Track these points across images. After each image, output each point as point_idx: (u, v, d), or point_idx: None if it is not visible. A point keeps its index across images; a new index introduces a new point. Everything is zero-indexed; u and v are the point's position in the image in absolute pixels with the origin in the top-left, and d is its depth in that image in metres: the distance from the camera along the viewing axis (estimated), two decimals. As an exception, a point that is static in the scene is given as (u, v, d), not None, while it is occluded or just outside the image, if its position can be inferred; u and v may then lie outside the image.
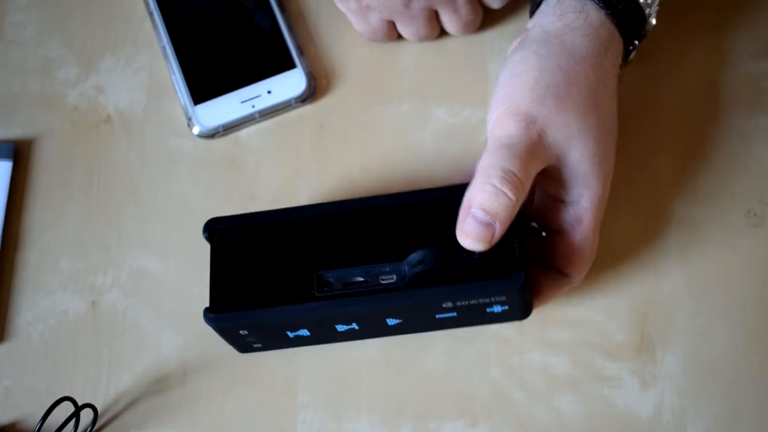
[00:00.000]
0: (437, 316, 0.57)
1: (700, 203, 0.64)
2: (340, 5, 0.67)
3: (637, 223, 0.64)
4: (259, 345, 0.60)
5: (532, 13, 0.60)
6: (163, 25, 0.69)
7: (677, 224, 0.64)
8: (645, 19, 0.59)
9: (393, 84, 0.68)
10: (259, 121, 0.68)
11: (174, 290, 0.64)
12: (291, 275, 0.56)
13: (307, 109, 0.68)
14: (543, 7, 0.59)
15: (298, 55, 0.68)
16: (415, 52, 0.69)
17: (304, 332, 0.58)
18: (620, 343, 0.61)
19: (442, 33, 0.68)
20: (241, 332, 0.58)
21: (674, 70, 0.67)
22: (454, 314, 0.56)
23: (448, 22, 0.66)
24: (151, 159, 0.67)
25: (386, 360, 0.62)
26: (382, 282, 0.56)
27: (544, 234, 0.58)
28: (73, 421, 0.59)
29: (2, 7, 0.72)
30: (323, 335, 0.59)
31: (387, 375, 0.62)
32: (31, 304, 0.64)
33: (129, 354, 0.63)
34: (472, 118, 0.67)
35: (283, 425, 0.61)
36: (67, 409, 0.60)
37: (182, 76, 0.68)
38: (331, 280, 0.56)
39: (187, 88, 0.68)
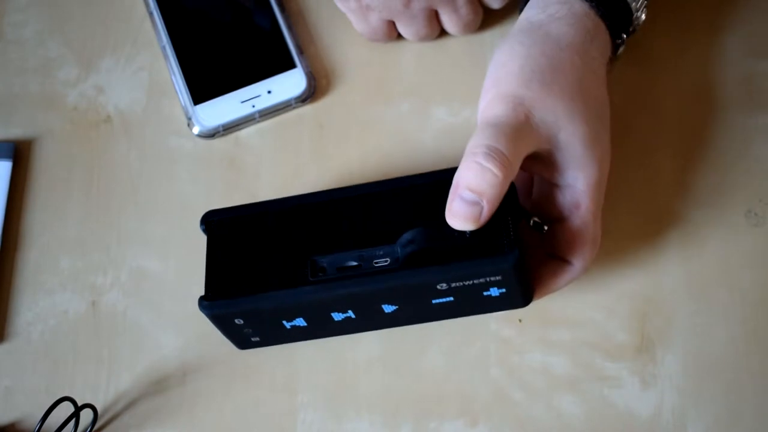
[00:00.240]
0: (434, 301, 0.57)
1: (700, 203, 0.64)
2: (340, 5, 0.67)
3: (637, 223, 0.64)
4: (257, 339, 0.60)
5: (521, 11, 0.61)
6: (163, 25, 0.69)
7: (677, 224, 0.64)
8: (631, 12, 0.60)
9: (393, 84, 0.68)
10: (259, 121, 0.68)
11: (174, 290, 0.64)
12: (285, 262, 0.57)
13: (307, 109, 0.68)
14: (530, 2, 0.60)
15: (298, 55, 0.68)
16: (415, 52, 0.69)
17: (301, 322, 0.58)
18: (620, 343, 0.61)
19: (442, 33, 0.68)
20: (236, 321, 0.58)
21: (674, 70, 0.67)
22: (451, 299, 0.56)
23: (448, 22, 0.66)
24: (151, 159, 0.67)
25: (386, 360, 0.62)
26: (376, 265, 0.56)
27: (546, 228, 0.58)
28: (72, 422, 0.59)
29: (2, 6, 0.72)
30: (320, 326, 0.58)
31: (387, 375, 0.62)
32: (31, 304, 0.64)
33: (129, 354, 0.63)
34: (472, 118, 0.66)
35: (283, 425, 0.61)
36: (66, 409, 0.60)
37: (182, 76, 0.68)
38: (325, 265, 0.56)
39: (187, 88, 0.68)
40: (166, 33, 0.69)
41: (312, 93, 0.68)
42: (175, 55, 0.69)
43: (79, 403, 0.60)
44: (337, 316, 0.57)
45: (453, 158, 0.65)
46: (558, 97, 0.55)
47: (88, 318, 0.64)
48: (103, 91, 0.69)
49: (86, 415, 0.60)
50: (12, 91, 0.69)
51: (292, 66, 0.68)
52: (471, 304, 0.57)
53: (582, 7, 0.58)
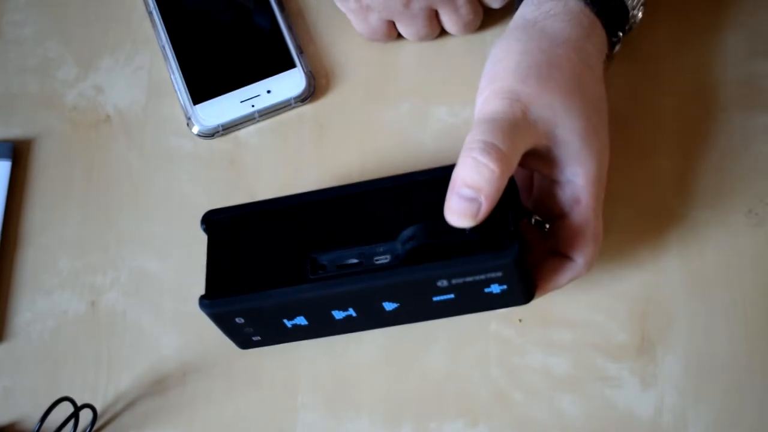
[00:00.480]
0: (435, 299, 0.56)
1: (700, 203, 0.64)
2: (339, 5, 0.67)
3: (637, 223, 0.64)
4: (259, 338, 0.60)
5: (516, 8, 0.61)
6: (163, 25, 0.69)
7: (677, 224, 0.64)
8: (627, 10, 0.60)
9: (393, 84, 0.68)
10: (258, 121, 0.68)
11: (174, 290, 0.64)
12: (285, 260, 0.57)
13: (306, 108, 0.68)
14: (526, 0, 0.59)
15: (297, 55, 0.68)
16: (415, 52, 0.69)
17: (302, 320, 0.58)
18: (621, 343, 0.61)
19: (442, 33, 0.68)
20: (237, 320, 0.58)
21: (674, 70, 0.67)
22: (452, 296, 0.56)
23: (448, 22, 0.66)
24: (151, 159, 0.67)
25: (386, 360, 0.62)
26: (377, 262, 0.56)
27: (547, 226, 0.58)
28: (72, 422, 0.59)
29: (1, 6, 0.72)
30: (321, 324, 0.58)
31: (387, 375, 0.62)
32: (30, 304, 0.64)
33: (129, 354, 0.63)
34: (472, 118, 0.66)
35: (283, 425, 0.61)
36: (66, 409, 0.59)
37: (182, 75, 0.68)
38: (325, 263, 0.56)
39: (186, 87, 0.68)
40: (166, 33, 0.69)
41: (312, 93, 0.68)
42: (174, 55, 0.68)
43: (79, 403, 0.60)
44: (338, 315, 0.57)
45: (453, 158, 0.65)
46: (555, 92, 0.55)
47: (87, 318, 0.64)
48: (102, 90, 0.69)
49: (86, 415, 0.60)
50: (11, 91, 0.69)
51: (292, 66, 0.68)
52: (472, 301, 0.57)
53: (577, 5, 0.58)
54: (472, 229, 0.54)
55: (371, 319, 0.58)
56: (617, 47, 0.61)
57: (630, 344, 0.61)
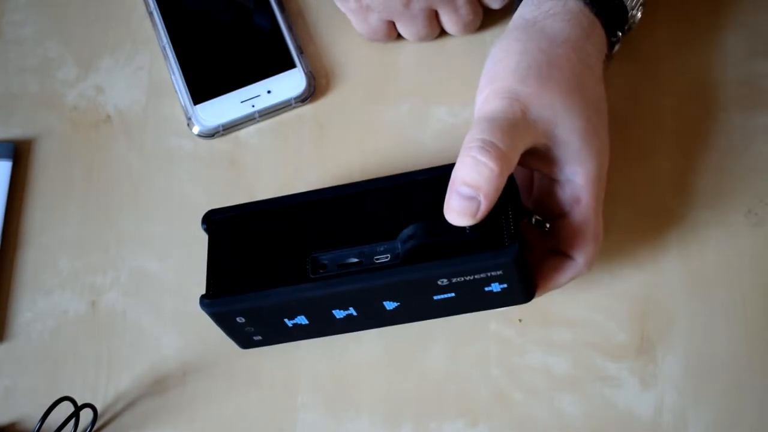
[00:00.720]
0: (435, 297, 0.57)
1: (700, 203, 0.64)
2: (339, 5, 0.67)
3: (637, 223, 0.64)
4: (259, 337, 0.60)
5: (515, 9, 0.61)
6: (163, 25, 0.69)
7: (677, 224, 0.64)
8: (627, 10, 0.60)
9: (393, 84, 0.68)
10: (258, 121, 0.68)
11: (174, 290, 0.64)
12: (286, 260, 0.57)
13: (306, 108, 0.68)
14: (525, 0, 0.60)
15: (297, 55, 0.68)
16: (415, 52, 0.69)
17: (302, 320, 0.58)
18: (620, 343, 0.61)
19: (442, 33, 0.68)
20: (237, 320, 0.58)
21: (674, 70, 0.67)
22: (452, 294, 0.56)
23: (448, 22, 0.66)
24: (151, 159, 0.67)
25: (386, 360, 0.62)
26: (377, 262, 0.56)
27: (548, 225, 0.58)
28: (72, 421, 0.59)
29: (1, 6, 0.72)
30: (322, 324, 0.58)
31: (387, 375, 0.62)
32: (31, 304, 0.64)
33: (129, 354, 0.63)
34: (472, 118, 0.66)
35: (283, 425, 0.61)
36: (66, 409, 0.59)
37: (182, 75, 0.68)
38: (326, 262, 0.56)
39: (186, 87, 0.68)
40: (166, 33, 0.69)
41: (312, 93, 0.68)
42: (174, 55, 0.69)
43: (79, 403, 0.60)
44: (339, 314, 0.57)
45: (453, 158, 0.65)
46: (554, 92, 0.55)
47: (87, 318, 0.64)
48: (102, 90, 0.69)
49: (86, 415, 0.60)
50: (11, 91, 0.69)
51: (292, 66, 0.68)
52: (473, 300, 0.57)
53: (577, 5, 0.58)
54: (472, 228, 0.54)
55: (372, 318, 0.58)
56: (616, 47, 0.61)
57: (630, 344, 0.61)
